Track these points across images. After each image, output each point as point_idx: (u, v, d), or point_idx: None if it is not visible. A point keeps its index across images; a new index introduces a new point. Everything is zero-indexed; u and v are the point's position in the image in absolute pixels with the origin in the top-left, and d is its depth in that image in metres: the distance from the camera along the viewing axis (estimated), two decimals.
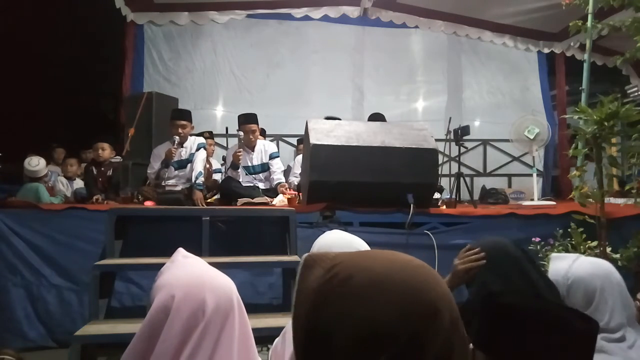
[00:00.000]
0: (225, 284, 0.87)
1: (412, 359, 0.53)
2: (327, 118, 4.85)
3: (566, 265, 1.44)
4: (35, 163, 4.55)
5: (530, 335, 0.85)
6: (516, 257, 1.36)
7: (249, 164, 4.24)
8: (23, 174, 4.53)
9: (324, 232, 1.43)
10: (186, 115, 4.14)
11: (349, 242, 1.32)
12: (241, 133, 4.13)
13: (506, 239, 1.44)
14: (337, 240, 1.33)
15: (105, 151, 4.58)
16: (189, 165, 4.07)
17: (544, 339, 0.84)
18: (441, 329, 0.55)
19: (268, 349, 1.28)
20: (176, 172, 4.07)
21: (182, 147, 4.08)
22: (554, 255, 1.54)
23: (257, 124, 4.24)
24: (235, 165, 4.08)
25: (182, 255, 0.93)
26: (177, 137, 3.97)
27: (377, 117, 4.84)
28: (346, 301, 0.55)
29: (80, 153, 5.90)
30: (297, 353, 0.58)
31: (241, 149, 4.09)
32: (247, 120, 4.19)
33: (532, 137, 4.44)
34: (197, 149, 4.09)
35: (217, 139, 5.73)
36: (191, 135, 4.19)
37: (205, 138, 4.71)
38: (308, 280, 0.59)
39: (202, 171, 3.99)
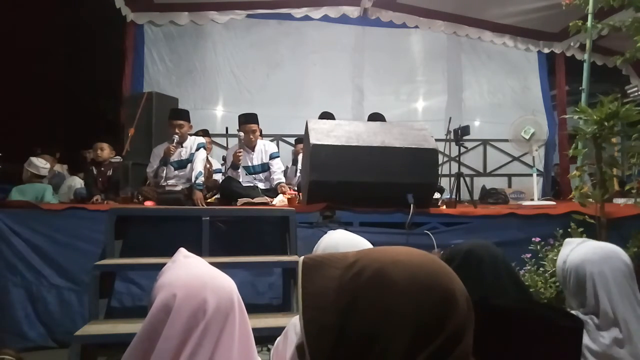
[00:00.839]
0: (226, 283, 0.87)
1: (454, 346, 0.52)
2: (323, 113, 4.85)
3: (568, 251, 1.41)
4: (44, 162, 4.55)
5: (516, 336, 0.85)
6: (503, 258, 1.33)
7: (249, 164, 4.24)
8: (24, 173, 4.50)
9: (325, 232, 1.43)
10: (183, 114, 4.15)
11: (355, 241, 1.30)
12: (241, 134, 4.14)
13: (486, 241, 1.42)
14: (343, 240, 1.31)
15: (105, 151, 4.59)
16: (189, 165, 4.07)
17: (530, 339, 0.84)
18: (473, 313, 0.55)
19: (268, 349, 1.28)
20: (176, 172, 4.06)
21: (182, 146, 4.08)
22: (566, 240, 1.51)
23: (258, 124, 4.24)
24: (235, 166, 4.08)
25: (183, 255, 0.94)
26: (176, 136, 3.98)
27: (376, 117, 4.83)
28: (385, 294, 0.53)
29: (80, 153, 5.91)
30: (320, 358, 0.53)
31: (241, 149, 4.09)
32: (247, 120, 4.19)
33: (527, 137, 4.44)
34: (197, 149, 4.09)
35: (217, 139, 5.74)
36: (189, 135, 4.20)
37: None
38: (319, 281, 0.56)
39: (202, 171, 3.99)
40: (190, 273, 0.86)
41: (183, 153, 4.09)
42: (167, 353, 0.77)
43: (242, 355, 0.84)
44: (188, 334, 0.78)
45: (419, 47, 6.84)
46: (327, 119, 4.44)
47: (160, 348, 0.77)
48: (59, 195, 4.86)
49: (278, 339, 1.25)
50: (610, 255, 1.32)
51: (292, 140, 6.13)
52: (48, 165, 4.58)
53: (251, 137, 4.18)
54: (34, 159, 4.50)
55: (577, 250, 1.38)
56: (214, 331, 0.80)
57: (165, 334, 0.78)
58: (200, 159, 4.03)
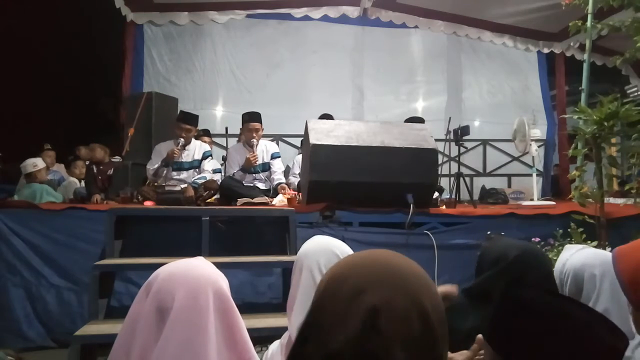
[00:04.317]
0: (204, 276, 0.89)
1: None
2: (323, 115, 4.85)
3: (567, 256, 1.44)
4: (34, 161, 4.54)
5: (544, 338, 0.74)
6: (548, 270, 1.37)
7: None
8: (27, 171, 4.48)
9: (324, 232, 1.42)
10: (193, 119, 4.17)
11: (320, 249, 1.28)
12: (253, 140, 4.12)
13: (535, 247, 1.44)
14: (312, 247, 1.30)
15: (95, 151, 4.57)
16: (191, 170, 4.08)
17: (559, 345, 0.73)
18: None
19: (268, 349, 1.27)
20: (174, 172, 4.06)
21: (185, 149, 4.09)
22: (567, 245, 1.53)
23: (261, 123, 4.24)
24: (247, 169, 4.07)
25: (195, 258, 0.98)
26: (182, 140, 3.99)
27: (415, 120, 4.83)
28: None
29: (75, 151, 5.93)
30: None
31: (256, 154, 4.08)
32: (251, 118, 4.18)
33: (513, 138, 4.46)
34: (204, 157, 4.14)
35: (217, 139, 5.74)
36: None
37: (199, 136, 4.72)
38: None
39: (207, 177, 4.01)
40: (172, 265, 0.91)
41: (184, 156, 4.09)
42: (146, 333, 0.82)
43: (229, 346, 0.85)
44: (161, 317, 0.82)
45: (418, 47, 6.84)
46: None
47: (139, 329, 0.83)
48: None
49: (273, 346, 1.25)
50: (609, 261, 1.32)
51: (292, 140, 6.13)
52: (39, 162, 4.52)
53: (254, 135, 4.17)
54: (39, 160, 4.52)
55: (577, 255, 1.41)
56: (187, 319, 0.82)
57: (143, 316, 0.84)
58: (209, 169, 4.11)
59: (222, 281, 0.91)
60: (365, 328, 0.53)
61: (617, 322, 1.17)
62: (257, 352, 0.96)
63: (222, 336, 0.85)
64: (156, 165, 4.03)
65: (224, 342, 0.85)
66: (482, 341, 0.87)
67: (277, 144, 5.88)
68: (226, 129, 5.19)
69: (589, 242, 2.96)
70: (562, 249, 2.91)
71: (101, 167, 4.52)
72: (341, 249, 1.28)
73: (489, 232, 3.12)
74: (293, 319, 1.16)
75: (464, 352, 1.02)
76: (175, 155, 3.97)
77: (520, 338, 0.77)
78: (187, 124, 4.07)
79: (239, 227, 3.11)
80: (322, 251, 1.25)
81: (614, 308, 1.28)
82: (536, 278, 1.32)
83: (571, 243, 3.02)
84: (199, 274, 0.88)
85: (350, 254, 0.64)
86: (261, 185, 4.18)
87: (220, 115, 6.15)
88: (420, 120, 4.87)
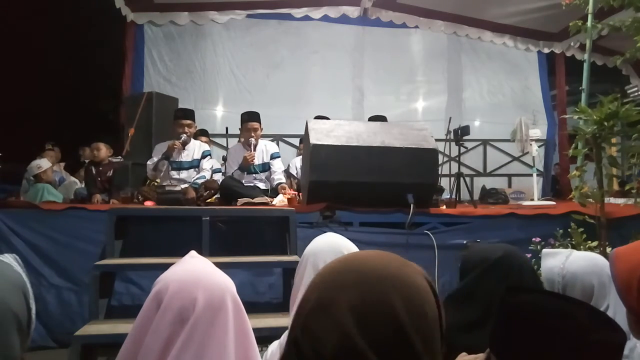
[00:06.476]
0: (220, 281, 0.88)
1: None
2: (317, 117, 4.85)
3: (560, 263, 1.38)
4: (38, 162, 4.54)
5: (544, 340, 0.74)
6: (530, 268, 1.34)
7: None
8: (33, 173, 4.47)
9: (324, 232, 1.41)
10: (190, 114, 4.18)
11: (336, 248, 1.25)
12: (253, 140, 4.09)
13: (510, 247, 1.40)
14: (324, 246, 1.28)
15: (101, 151, 4.57)
16: (191, 169, 4.08)
17: (560, 346, 0.74)
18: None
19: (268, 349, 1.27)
20: (173, 172, 4.06)
21: (184, 148, 4.08)
22: (545, 251, 1.46)
23: (260, 123, 4.24)
24: (245, 168, 4.07)
25: (190, 255, 0.97)
26: (184, 135, 3.99)
27: (377, 120, 4.83)
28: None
29: (78, 151, 5.95)
30: None
31: (253, 153, 4.08)
32: (250, 118, 4.18)
33: (511, 138, 4.47)
34: (203, 157, 4.13)
35: (217, 139, 5.74)
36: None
37: (197, 136, 4.72)
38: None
39: (207, 177, 4.01)
40: (186, 269, 0.89)
41: (184, 155, 4.09)
42: (157, 344, 0.79)
43: (239, 353, 0.85)
44: (179, 327, 0.80)
45: (419, 47, 6.84)
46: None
47: (151, 338, 0.80)
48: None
49: (273, 346, 1.24)
50: (606, 265, 1.32)
51: (292, 140, 6.12)
52: (43, 163, 4.52)
53: (252, 135, 4.17)
54: (42, 161, 4.52)
55: (573, 263, 1.36)
56: (204, 326, 0.81)
57: (155, 324, 0.80)
58: (208, 168, 4.10)
59: (231, 282, 0.92)
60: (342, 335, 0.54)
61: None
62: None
63: (234, 334, 0.86)
64: (156, 159, 4.02)
65: (239, 346, 0.86)
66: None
67: (277, 144, 5.88)
68: (226, 129, 5.19)
69: (589, 242, 2.96)
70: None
71: (100, 168, 4.52)
72: (350, 248, 1.26)
73: (465, 242, 3.13)
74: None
75: (479, 356, 1.01)
76: (175, 147, 3.97)
77: (522, 341, 0.77)
78: (186, 119, 4.08)
79: (239, 227, 3.11)
80: (330, 250, 1.22)
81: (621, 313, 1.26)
82: (520, 277, 1.29)
83: (571, 243, 3.02)
84: (215, 278, 0.88)
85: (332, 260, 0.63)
86: (261, 185, 4.18)
87: (220, 115, 6.15)
88: (383, 118, 4.86)
